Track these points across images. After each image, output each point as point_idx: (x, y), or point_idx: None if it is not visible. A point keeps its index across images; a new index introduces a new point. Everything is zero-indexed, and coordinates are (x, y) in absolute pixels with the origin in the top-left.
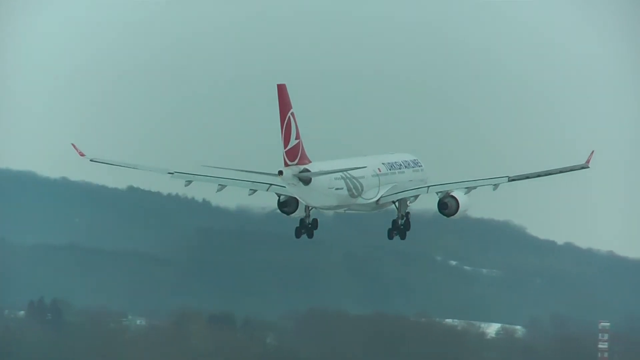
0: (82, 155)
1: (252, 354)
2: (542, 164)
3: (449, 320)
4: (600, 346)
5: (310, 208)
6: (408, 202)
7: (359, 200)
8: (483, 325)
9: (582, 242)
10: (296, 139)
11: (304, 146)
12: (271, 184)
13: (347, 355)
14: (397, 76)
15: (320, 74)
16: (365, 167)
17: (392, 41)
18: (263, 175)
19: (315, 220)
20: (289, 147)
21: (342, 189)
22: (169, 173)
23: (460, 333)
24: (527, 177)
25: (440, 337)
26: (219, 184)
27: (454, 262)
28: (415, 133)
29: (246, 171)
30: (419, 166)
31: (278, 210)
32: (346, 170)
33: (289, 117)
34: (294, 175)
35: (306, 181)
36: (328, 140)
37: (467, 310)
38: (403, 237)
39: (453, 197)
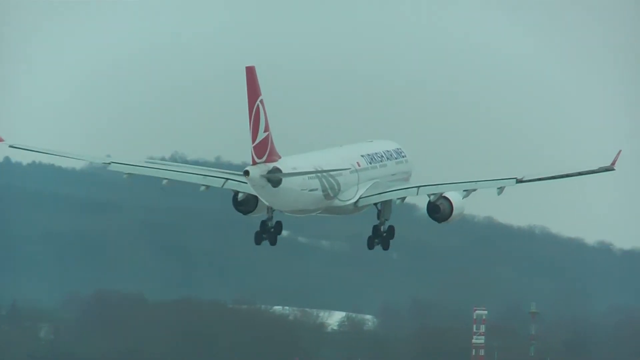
0: (0, 140)
1: (21, 352)
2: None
3: (278, 308)
4: (474, 341)
5: (273, 209)
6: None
7: (335, 202)
8: (323, 314)
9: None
10: (265, 131)
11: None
12: (227, 179)
13: (144, 352)
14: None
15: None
16: (349, 168)
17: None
18: (219, 171)
19: (279, 223)
20: (257, 141)
21: (317, 189)
22: (105, 163)
23: (293, 324)
24: (539, 179)
25: (267, 329)
26: (165, 178)
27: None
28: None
29: (191, 171)
30: (403, 156)
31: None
32: (329, 171)
33: (258, 104)
34: (262, 176)
35: (276, 182)
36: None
37: (302, 295)
38: (386, 247)
39: (446, 198)
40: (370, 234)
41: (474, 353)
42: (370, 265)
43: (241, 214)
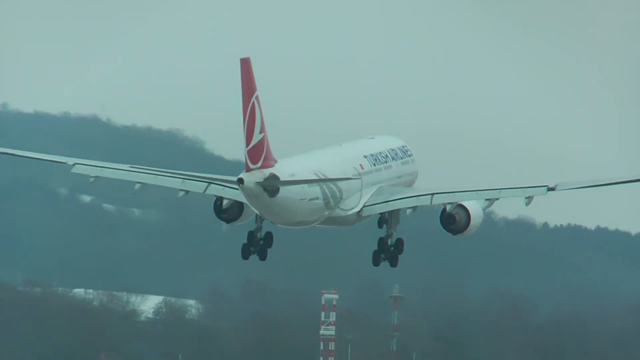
0: None
1: None
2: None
3: (79, 291)
4: (323, 332)
5: (263, 218)
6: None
7: (336, 212)
8: (134, 298)
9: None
10: (260, 132)
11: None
12: (210, 183)
13: None
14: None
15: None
16: (358, 177)
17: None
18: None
19: (269, 235)
20: (252, 144)
21: (317, 198)
22: (70, 164)
23: (98, 310)
24: (573, 187)
25: (65, 317)
26: (139, 182)
27: (88, 198)
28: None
29: (179, 175)
30: (409, 155)
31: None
32: (334, 180)
33: (253, 101)
34: (258, 184)
35: (273, 191)
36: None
37: (109, 275)
38: (394, 264)
39: (463, 207)
40: (376, 248)
41: (322, 347)
42: (195, 239)
43: (224, 222)
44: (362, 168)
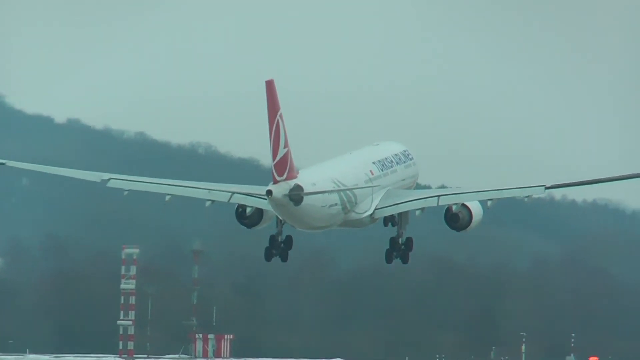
0: None
1: None
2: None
3: None
4: (123, 286)
5: (283, 222)
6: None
7: (352, 216)
8: None
9: None
10: (285, 147)
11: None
12: (233, 193)
13: None
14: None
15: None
16: (377, 185)
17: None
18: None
19: (289, 238)
20: (277, 158)
21: (336, 204)
22: (103, 180)
23: None
24: (568, 185)
25: None
26: (169, 194)
27: None
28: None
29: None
30: (410, 159)
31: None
32: (354, 188)
33: (278, 119)
34: (285, 195)
35: (299, 201)
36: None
37: None
38: (406, 261)
39: (465, 206)
40: (388, 246)
41: (122, 301)
42: None
43: (245, 227)
44: (372, 174)
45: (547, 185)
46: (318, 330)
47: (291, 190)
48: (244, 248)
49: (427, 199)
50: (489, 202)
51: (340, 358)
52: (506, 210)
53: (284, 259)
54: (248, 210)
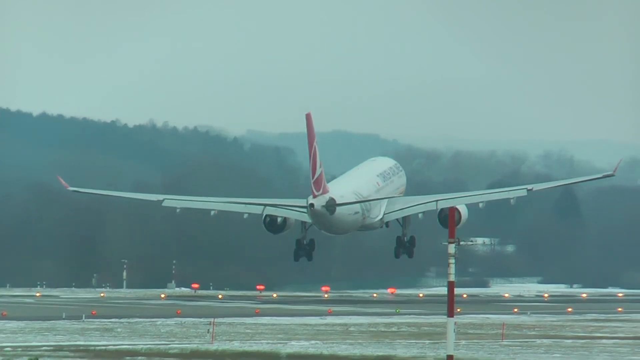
0: (66, 187)
1: None
2: None
3: None
4: None
5: (307, 227)
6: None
7: (367, 221)
8: None
9: None
10: (320, 166)
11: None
12: (265, 205)
13: None
14: None
15: None
16: (396, 196)
17: None
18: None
19: (312, 241)
20: (316, 176)
21: (358, 212)
22: (159, 200)
23: None
24: (548, 187)
25: None
26: (214, 209)
27: None
28: None
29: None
30: (401, 170)
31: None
32: (377, 200)
33: (315, 145)
34: (323, 206)
35: (333, 211)
36: None
37: None
38: (411, 256)
39: (455, 207)
40: (395, 245)
41: None
42: None
43: (272, 234)
44: (379, 185)
45: (529, 188)
46: None
47: (327, 202)
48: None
49: (427, 203)
50: (480, 204)
51: None
52: None
53: (310, 258)
54: (279, 220)
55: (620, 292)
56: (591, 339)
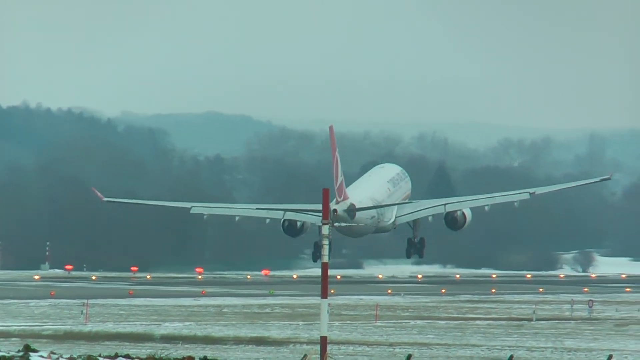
0: (102, 198)
1: None
2: None
3: None
4: None
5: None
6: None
7: (381, 224)
8: None
9: None
10: (341, 175)
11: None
12: (285, 211)
13: None
14: None
15: None
16: (411, 202)
17: None
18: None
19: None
20: (338, 184)
21: (374, 216)
22: (187, 208)
23: None
24: (549, 191)
25: None
26: (238, 215)
27: None
28: None
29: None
30: (406, 176)
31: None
32: (392, 205)
33: (337, 156)
34: (345, 211)
35: (353, 215)
36: None
37: None
38: (421, 256)
39: (462, 212)
40: (406, 246)
41: None
42: None
43: (290, 237)
44: (390, 190)
45: (532, 192)
46: None
47: (348, 207)
48: None
49: (436, 207)
50: (486, 207)
51: None
52: None
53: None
54: (298, 224)
55: (494, 273)
56: (465, 320)
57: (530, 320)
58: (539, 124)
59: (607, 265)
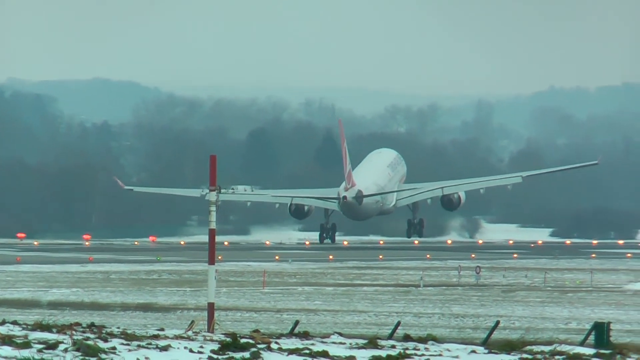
0: (122, 186)
1: None
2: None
3: None
4: None
5: (330, 213)
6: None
7: (384, 207)
8: None
9: None
10: (348, 164)
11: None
12: (293, 197)
13: None
14: None
15: None
16: (415, 188)
17: None
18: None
19: (334, 225)
20: (347, 172)
21: (378, 201)
22: (202, 194)
23: None
24: (539, 173)
25: None
26: (249, 200)
27: None
28: None
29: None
30: (402, 160)
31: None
32: (397, 191)
33: (345, 147)
34: (354, 197)
35: (361, 201)
36: None
37: None
38: (421, 235)
39: (457, 194)
40: (406, 226)
41: None
42: None
43: (297, 219)
44: (390, 175)
45: (523, 175)
46: None
47: (357, 194)
48: None
49: (434, 190)
50: (481, 190)
51: None
52: None
53: (333, 240)
54: (306, 208)
55: (381, 240)
56: (352, 286)
57: (417, 286)
58: (427, 91)
59: (494, 232)
